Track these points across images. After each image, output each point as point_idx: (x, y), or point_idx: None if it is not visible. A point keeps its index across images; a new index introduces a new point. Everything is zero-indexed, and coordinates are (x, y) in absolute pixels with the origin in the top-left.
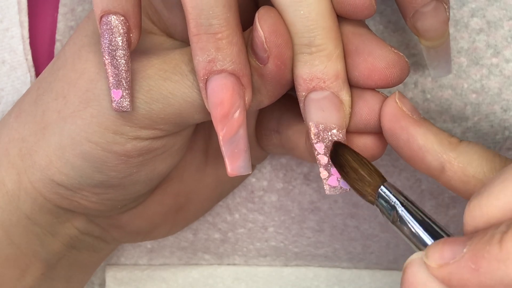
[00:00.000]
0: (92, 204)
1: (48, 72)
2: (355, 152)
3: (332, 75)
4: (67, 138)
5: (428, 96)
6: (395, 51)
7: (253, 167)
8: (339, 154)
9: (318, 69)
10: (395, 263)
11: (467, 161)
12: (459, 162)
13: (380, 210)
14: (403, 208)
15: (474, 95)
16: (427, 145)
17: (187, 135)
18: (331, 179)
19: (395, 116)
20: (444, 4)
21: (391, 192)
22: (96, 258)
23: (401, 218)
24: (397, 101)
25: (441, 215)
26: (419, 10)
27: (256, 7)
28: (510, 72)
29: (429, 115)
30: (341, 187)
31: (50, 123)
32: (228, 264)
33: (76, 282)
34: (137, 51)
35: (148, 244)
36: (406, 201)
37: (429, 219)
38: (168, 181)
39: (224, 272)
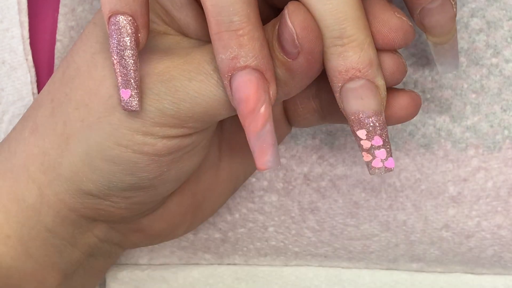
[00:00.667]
0: (119, 210)
1: (59, 83)
2: None
3: (366, 64)
4: (94, 145)
5: (428, 96)
6: (398, 15)
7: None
8: None
9: (352, 59)
10: (395, 262)
11: None
12: None
13: None
14: None
15: (474, 95)
16: None
17: (212, 131)
18: (375, 161)
19: None
20: (451, 1)
21: None
22: (108, 264)
23: None
24: None
25: (441, 215)
26: (426, 7)
27: (267, 3)
28: (510, 72)
29: (429, 115)
30: (385, 167)
31: (74, 132)
32: (229, 264)
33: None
34: (158, 52)
35: None
36: None
37: None
38: (186, 181)
39: (224, 272)
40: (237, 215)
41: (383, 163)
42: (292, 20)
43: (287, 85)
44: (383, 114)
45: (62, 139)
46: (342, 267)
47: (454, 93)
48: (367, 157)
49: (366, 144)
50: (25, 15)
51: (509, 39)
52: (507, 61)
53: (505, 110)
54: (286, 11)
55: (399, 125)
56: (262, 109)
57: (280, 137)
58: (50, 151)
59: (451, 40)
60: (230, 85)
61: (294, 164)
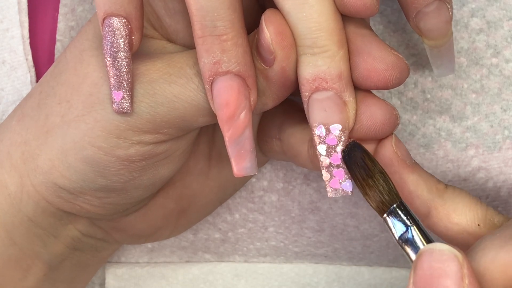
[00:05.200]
0: (94, 208)
1: (50, 76)
2: (373, 157)
3: (335, 76)
4: (70, 142)
5: (428, 96)
6: (395, 53)
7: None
8: (357, 155)
9: (321, 69)
10: (395, 262)
11: (452, 208)
12: (444, 209)
13: (388, 225)
14: (416, 230)
15: (474, 95)
16: (417, 191)
17: (190, 140)
18: (333, 181)
19: (390, 160)
20: (447, 4)
21: (406, 212)
22: (98, 258)
23: (409, 240)
24: (393, 146)
25: None
26: (422, 10)
27: (260, 10)
28: (510, 72)
29: (429, 115)
30: (342, 190)
31: (54, 127)
32: (228, 261)
33: (78, 283)
34: (141, 54)
35: (149, 243)
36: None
37: None
38: (171, 185)
39: (224, 269)
40: (237, 215)
41: (341, 185)
42: (267, 25)
43: (264, 94)
44: (347, 132)
45: (43, 132)
46: (342, 265)
47: (454, 93)
48: (325, 175)
49: (325, 160)
50: (25, 15)
51: (509, 39)
52: (507, 61)
53: (505, 110)
54: (263, 17)
55: (399, 125)
56: (242, 115)
57: (258, 164)
58: (31, 142)
59: (447, 44)
60: (211, 90)
61: (294, 164)
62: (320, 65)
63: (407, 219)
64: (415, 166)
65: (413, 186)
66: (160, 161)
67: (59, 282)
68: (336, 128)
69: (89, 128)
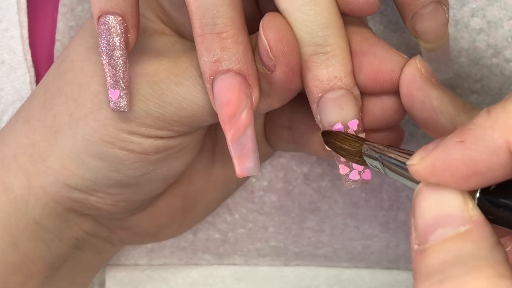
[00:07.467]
0: (106, 206)
1: (54, 75)
2: (339, 132)
3: (348, 72)
4: (81, 140)
5: None
6: (400, 54)
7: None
8: (329, 141)
9: (336, 68)
10: (395, 263)
11: None
12: None
13: (374, 167)
14: (385, 157)
15: (474, 95)
16: (441, 106)
17: (202, 133)
18: (353, 174)
19: (414, 76)
20: (443, 6)
21: (371, 149)
22: (99, 261)
23: (387, 166)
24: (417, 63)
25: None
26: (418, 12)
27: (258, 11)
28: (510, 72)
29: None
30: (362, 179)
31: (62, 126)
32: (228, 264)
33: (78, 285)
34: (148, 53)
35: (148, 244)
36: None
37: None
38: (176, 183)
39: (224, 272)
40: (237, 216)
41: (360, 175)
42: (266, 33)
43: (270, 96)
44: (361, 124)
45: (51, 132)
46: (342, 267)
47: (454, 93)
48: (343, 169)
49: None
50: (25, 15)
51: (509, 39)
52: (507, 61)
53: None
54: (261, 23)
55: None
56: (244, 114)
57: (264, 157)
58: (39, 143)
59: (443, 46)
60: (212, 89)
61: (294, 164)
62: (334, 64)
63: (376, 151)
64: (441, 84)
65: (437, 102)
66: (173, 154)
67: (59, 283)
68: (354, 123)
69: (100, 125)
